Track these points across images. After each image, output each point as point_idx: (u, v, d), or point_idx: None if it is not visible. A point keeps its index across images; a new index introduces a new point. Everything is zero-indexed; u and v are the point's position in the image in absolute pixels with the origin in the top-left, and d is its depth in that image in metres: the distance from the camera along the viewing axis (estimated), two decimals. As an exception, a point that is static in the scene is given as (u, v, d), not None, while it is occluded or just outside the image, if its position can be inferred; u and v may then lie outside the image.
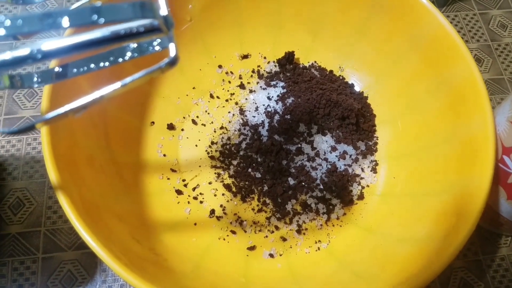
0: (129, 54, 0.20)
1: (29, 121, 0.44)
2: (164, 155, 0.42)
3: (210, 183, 0.41)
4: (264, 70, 0.47)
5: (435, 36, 0.37)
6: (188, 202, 0.40)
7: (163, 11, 0.18)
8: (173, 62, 0.18)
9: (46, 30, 0.16)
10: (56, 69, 0.21)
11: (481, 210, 0.30)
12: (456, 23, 0.53)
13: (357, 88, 0.45)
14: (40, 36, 0.47)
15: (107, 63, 0.20)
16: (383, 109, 0.43)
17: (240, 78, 0.47)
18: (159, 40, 0.20)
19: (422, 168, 0.37)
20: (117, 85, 0.18)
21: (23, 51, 0.18)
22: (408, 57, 0.39)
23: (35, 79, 0.21)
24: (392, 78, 0.41)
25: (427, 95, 0.38)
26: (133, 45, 0.20)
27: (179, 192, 0.40)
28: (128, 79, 0.18)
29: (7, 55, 0.18)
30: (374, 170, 0.41)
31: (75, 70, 0.21)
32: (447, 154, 0.35)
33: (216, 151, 0.43)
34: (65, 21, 0.16)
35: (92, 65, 0.21)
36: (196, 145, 0.43)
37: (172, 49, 0.18)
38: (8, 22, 0.16)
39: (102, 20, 0.16)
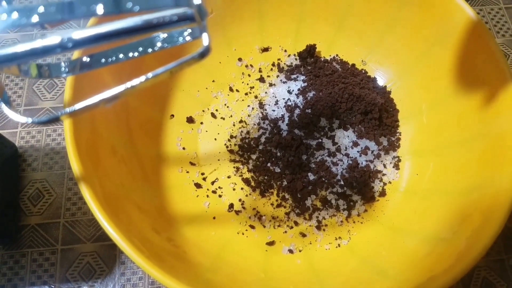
0: (159, 44, 0.20)
1: (50, 112, 0.44)
2: (184, 148, 0.42)
3: (229, 177, 0.41)
4: (285, 63, 0.46)
5: (463, 31, 0.36)
6: (207, 196, 0.40)
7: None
8: (205, 53, 0.18)
9: (80, 18, 0.15)
10: (84, 58, 0.21)
11: (509, 210, 0.29)
12: (481, 17, 0.52)
13: (380, 82, 0.44)
14: (57, 28, 0.47)
15: (136, 54, 0.20)
16: (407, 104, 0.42)
17: (260, 71, 0.46)
18: (189, 30, 0.20)
19: (448, 165, 0.36)
20: (148, 75, 0.18)
21: (53, 40, 0.17)
22: (435, 51, 0.38)
23: (63, 68, 0.21)
24: (418, 72, 0.40)
25: (454, 91, 0.37)
26: (163, 35, 0.20)
27: (198, 185, 0.40)
28: (160, 70, 0.18)
29: (37, 43, 0.18)
30: (396, 166, 0.40)
31: (103, 60, 0.21)
32: (476, 151, 0.34)
33: (235, 145, 0.42)
34: (99, 9, 0.15)
35: (121, 55, 0.20)
36: (215, 139, 0.43)
37: (205, 39, 0.18)
38: (41, 9, 0.15)
39: (137, 8, 0.15)
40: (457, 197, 0.33)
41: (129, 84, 0.18)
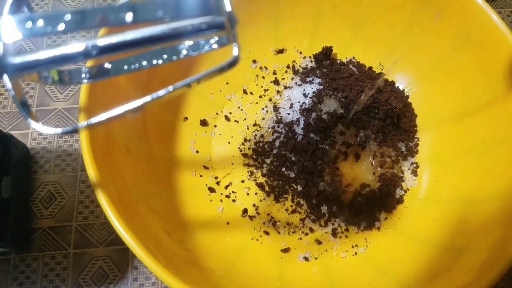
0: (184, 52, 0.19)
1: (62, 113, 0.43)
2: (197, 151, 0.41)
3: (242, 181, 0.40)
4: (300, 66, 0.45)
5: (486, 34, 0.35)
6: (221, 201, 0.39)
7: (228, 7, 0.16)
8: (234, 63, 0.17)
9: (108, 26, 0.14)
10: (106, 65, 0.20)
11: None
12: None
13: (398, 86, 0.43)
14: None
15: (160, 61, 0.19)
16: (426, 108, 0.41)
17: (275, 73, 0.45)
18: (216, 38, 0.19)
19: (470, 173, 0.35)
20: (176, 85, 0.17)
21: (77, 47, 0.17)
22: (456, 55, 0.37)
23: (84, 74, 0.20)
24: (438, 77, 0.39)
25: (478, 95, 0.36)
26: (189, 42, 0.19)
27: (211, 190, 0.39)
28: (188, 80, 0.17)
29: (60, 51, 0.17)
30: (414, 172, 0.39)
31: (125, 67, 0.20)
32: (500, 160, 0.33)
33: (249, 148, 0.42)
34: (129, 17, 0.15)
35: (145, 63, 0.19)
36: (229, 142, 0.42)
37: (235, 49, 0.17)
38: (68, 17, 0.15)
39: (167, 17, 0.15)
40: (480, 206, 0.33)
41: (155, 95, 0.17)
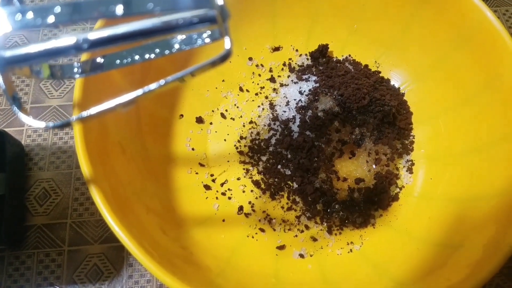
0: (176, 46, 0.19)
1: (57, 110, 0.43)
2: (193, 149, 0.41)
3: (238, 179, 0.40)
4: (296, 63, 0.45)
5: (482, 33, 0.35)
6: (217, 198, 0.39)
7: (219, 0, 0.16)
8: (227, 56, 0.17)
9: (99, 18, 0.14)
10: (98, 59, 0.20)
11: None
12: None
13: (393, 84, 0.43)
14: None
15: (152, 55, 0.19)
16: (421, 106, 0.41)
17: (271, 71, 0.45)
18: (209, 32, 0.19)
19: (466, 169, 0.35)
20: (168, 79, 0.17)
21: (68, 40, 0.17)
22: (452, 54, 0.37)
23: (76, 69, 0.20)
24: (435, 75, 0.39)
25: (475, 94, 0.36)
26: (181, 36, 0.19)
27: (207, 187, 0.39)
28: (180, 73, 0.17)
29: (51, 44, 0.17)
30: (410, 170, 0.39)
31: (117, 61, 0.20)
32: (497, 156, 0.33)
33: (245, 146, 0.41)
34: (119, 9, 0.14)
35: (137, 57, 0.19)
36: (225, 140, 0.42)
37: (227, 43, 0.17)
38: (58, 9, 0.14)
39: (158, 9, 0.15)
40: (475, 204, 0.33)
41: (146, 89, 0.17)
